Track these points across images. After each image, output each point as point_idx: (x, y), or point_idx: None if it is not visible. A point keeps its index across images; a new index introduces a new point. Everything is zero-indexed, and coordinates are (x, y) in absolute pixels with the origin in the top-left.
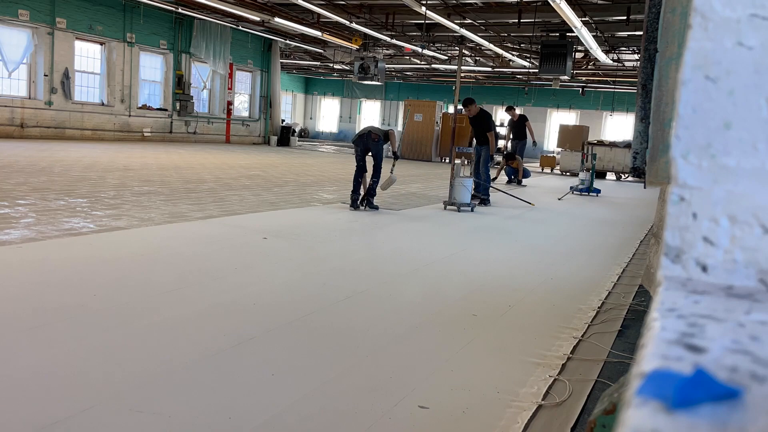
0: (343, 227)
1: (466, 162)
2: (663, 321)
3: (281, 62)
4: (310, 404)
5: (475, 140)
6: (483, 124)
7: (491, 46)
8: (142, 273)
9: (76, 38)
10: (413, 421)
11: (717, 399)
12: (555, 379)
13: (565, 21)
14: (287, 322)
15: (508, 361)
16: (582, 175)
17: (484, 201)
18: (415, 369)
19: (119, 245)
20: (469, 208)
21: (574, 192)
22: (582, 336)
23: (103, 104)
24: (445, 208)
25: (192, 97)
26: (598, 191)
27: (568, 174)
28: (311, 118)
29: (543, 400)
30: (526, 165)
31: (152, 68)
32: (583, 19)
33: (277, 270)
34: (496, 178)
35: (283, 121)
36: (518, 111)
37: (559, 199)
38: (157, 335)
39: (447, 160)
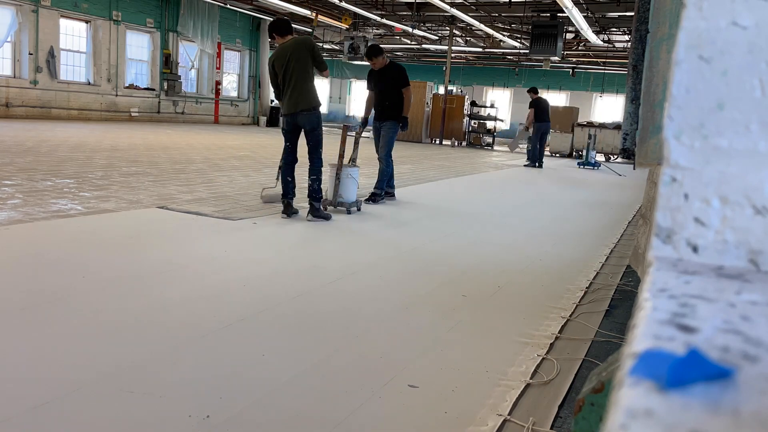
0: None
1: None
2: (654, 301)
3: (270, 41)
4: (300, 384)
5: (375, 112)
6: (394, 81)
7: (482, 26)
8: (131, 255)
9: (61, 16)
10: (403, 399)
11: (710, 379)
12: (543, 358)
13: (556, 1)
14: (277, 303)
15: (496, 341)
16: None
17: (377, 196)
18: (404, 349)
19: (108, 227)
20: (355, 208)
21: (581, 166)
22: (570, 316)
23: (89, 83)
24: (325, 209)
25: (180, 76)
26: (598, 164)
27: (557, 155)
28: None
29: (531, 378)
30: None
31: (139, 47)
32: None
33: (267, 252)
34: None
35: (272, 101)
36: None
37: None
38: (148, 317)
39: (437, 141)
